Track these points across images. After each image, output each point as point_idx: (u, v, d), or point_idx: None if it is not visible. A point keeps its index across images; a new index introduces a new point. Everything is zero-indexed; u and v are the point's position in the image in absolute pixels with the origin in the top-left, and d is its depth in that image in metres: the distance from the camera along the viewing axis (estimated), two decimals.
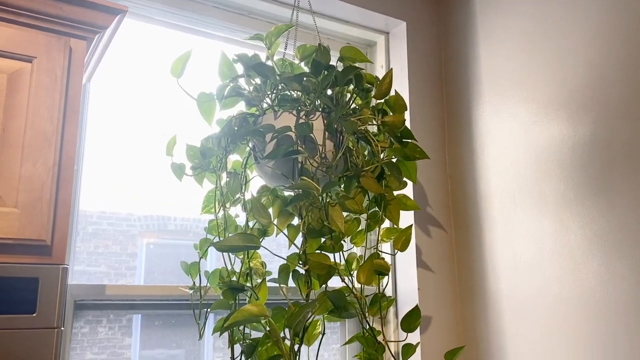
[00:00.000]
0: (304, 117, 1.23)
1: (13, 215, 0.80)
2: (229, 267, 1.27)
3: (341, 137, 1.24)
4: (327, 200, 1.15)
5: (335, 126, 1.22)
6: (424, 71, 1.74)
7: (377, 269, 1.17)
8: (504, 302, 1.48)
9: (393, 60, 1.76)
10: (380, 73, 1.78)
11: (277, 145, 1.21)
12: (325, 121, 1.24)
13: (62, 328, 0.77)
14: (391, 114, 1.33)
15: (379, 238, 1.29)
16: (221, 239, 1.28)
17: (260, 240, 1.28)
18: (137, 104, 1.70)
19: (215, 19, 1.55)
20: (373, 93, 1.38)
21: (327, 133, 1.23)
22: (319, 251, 1.21)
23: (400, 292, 1.58)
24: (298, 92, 1.28)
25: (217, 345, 1.83)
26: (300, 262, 1.17)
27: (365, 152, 1.36)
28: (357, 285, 1.27)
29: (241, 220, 1.34)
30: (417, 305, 1.20)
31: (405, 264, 1.58)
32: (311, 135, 1.22)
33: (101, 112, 1.59)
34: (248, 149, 1.36)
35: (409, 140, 1.33)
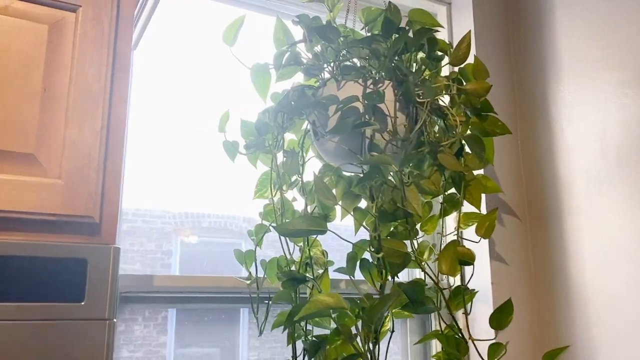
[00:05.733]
0: (371, 87, 1.09)
1: (56, 188, 0.69)
2: (288, 256, 1.14)
3: (414, 109, 1.09)
4: (401, 179, 1.01)
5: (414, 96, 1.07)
6: (491, 44, 1.57)
7: (461, 257, 1.02)
8: (590, 299, 1.30)
9: (456, 33, 1.61)
10: None
11: (342, 117, 1.08)
12: (395, 90, 1.09)
13: (115, 320, 0.65)
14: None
15: (457, 224, 1.14)
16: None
17: None
18: (173, 96, 1.59)
19: None
20: (445, 60, 1.23)
21: (397, 104, 1.08)
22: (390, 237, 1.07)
23: (472, 286, 1.41)
24: (364, 60, 1.14)
25: (253, 344, 1.71)
26: (372, 249, 1.03)
27: (435, 128, 1.20)
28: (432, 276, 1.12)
29: (298, 204, 1.21)
30: (509, 300, 1.05)
31: (478, 255, 1.42)
32: (379, 107, 1.08)
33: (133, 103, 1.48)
34: (305, 126, 1.23)
35: (489, 114, 1.18)
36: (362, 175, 1.08)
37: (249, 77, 1.19)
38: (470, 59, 1.21)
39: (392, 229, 1.10)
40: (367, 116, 1.05)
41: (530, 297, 1.45)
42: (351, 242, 1.04)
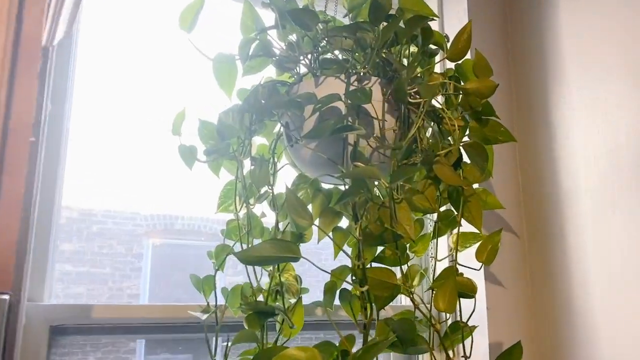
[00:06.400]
0: (355, 84, 0.92)
1: None
2: (254, 283, 0.96)
3: (406, 111, 0.93)
4: (391, 195, 0.84)
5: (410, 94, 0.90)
6: (487, 36, 1.42)
7: (460, 289, 0.86)
8: (598, 327, 1.16)
9: (447, 23, 1.44)
10: None
11: (321, 120, 0.90)
12: (384, 89, 0.92)
13: None
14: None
15: (453, 246, 0.97)
16: (244, 245, 0.97)
17: None
18: (141, 91, 1.40)
19: None
20: (439, 56, 1.07)
21: (386, 105, 0.91)
22: (377, 264, 0.90)
23: (463, 313, 1.26)
24: (346, 52, 0.97)
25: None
26: (354, 278, 0.86)
27: (427, 134, 1.04)
28: (424, 309, 0.96)
29: (268, 220, 1.03)
30: (519, 343, 0.88)
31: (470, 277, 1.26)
32: (364, 108, 0.91)
33: (98, 93, 1.29)
34: (277, 129, 1.06)
35: (490, 118, 1.02)
36: (343, 189, 0.91)
37: (212, 70, 1.00)
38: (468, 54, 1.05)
39: (377, 252, 0.93)
40: (350, 118, 0.87)
41: (529, 324, 1.29)
42: (328, 272, 0.86)
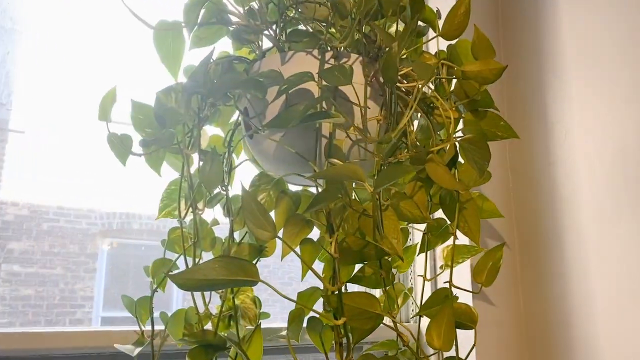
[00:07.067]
0: (332, 61, 0.74)
1: None
2: (201, 308, 0.77)
3: (394, 97, 0.75)
4: (379, 201, 0.66)
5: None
6: (476, 14, 1.26)
7: (458, 319, 0.69)
8: (601, 353, 1.02)
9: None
10: None
11: (288, 105, 0.72)
12: (366, 69, 0.75)
13: None
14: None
15: (445, 262, 0.81)
16: (189, 260, 0.78)
17: (255, 261, 0.79)
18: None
19: None
20: (428, 35, 0.90)
21: (369, 89, 0.74)
22: (353, 284, 0.73)
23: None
24: (320, 24, 0.79)
25: None
26: (326, 305, 0.68)
27: (414, 128, 0.87)
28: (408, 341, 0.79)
29: (222, 229, 0.84)
30: None
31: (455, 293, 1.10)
32: (342, 91, 0.74)
33: (48, 81, 1.07)
34: (235, 117, 0.87)
35: (488, 109, 0.86)
36: (315, 192, 0.73)
37: (152, 42, 0.81)
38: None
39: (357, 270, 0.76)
40: (324, 104, 0.69)
41: (521, 348, 1.14)
42: (293, 300, 0.68)
